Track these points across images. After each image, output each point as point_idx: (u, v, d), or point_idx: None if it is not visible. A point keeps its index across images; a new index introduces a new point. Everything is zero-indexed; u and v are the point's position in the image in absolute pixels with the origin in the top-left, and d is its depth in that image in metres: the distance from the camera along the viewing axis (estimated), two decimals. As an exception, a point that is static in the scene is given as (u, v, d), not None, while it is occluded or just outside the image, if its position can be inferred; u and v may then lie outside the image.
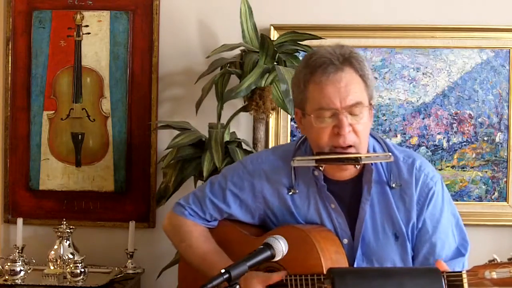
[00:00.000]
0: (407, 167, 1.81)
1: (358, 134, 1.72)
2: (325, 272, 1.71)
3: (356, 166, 1.75)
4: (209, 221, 1.98)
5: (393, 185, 1.80)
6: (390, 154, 1.76)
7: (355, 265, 1.79)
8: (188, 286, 2.06)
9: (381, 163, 1.81)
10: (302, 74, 1.76)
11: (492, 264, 1.49)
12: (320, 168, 1.79)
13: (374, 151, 1.83)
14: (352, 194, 1.82)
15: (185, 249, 1.99)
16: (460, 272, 1.49)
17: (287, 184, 1.87)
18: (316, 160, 1.76)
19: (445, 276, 1.52)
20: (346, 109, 1.70)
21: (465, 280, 1.49)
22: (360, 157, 1.72)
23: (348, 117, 1.70)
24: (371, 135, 1.85)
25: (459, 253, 1.80)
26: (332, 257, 1.76)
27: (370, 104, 1.77)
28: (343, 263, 1.77)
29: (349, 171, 1.79)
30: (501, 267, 1.47)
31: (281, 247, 1.61)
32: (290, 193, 1.86)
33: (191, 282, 2.02)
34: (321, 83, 1.71)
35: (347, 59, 1.73)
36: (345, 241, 1.82)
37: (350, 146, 1.72)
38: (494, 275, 1.47)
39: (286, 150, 1.92)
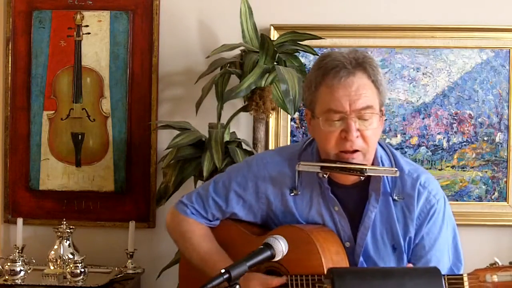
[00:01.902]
0: (412, 181, 1.80)
1: (366, 140, 1.71)
2: (326, 272, 1.71)
3: (361, 177, 1.74)
4: (211, 221, 1.98)
5: (396, 197, 1.79)
6: (396, 169, 1.74)
7: None
8: (188, 285, 2.06)
9: None
10: (314, 76, 1.76)
11: (494, 267, 1.48)
12: (325, 175, 1.78)
13: (381, 161, 1.82)
14: (356, 200, 1.81)
15: (186, 248, 1.98)
16: (461, 275, 1.49)
17: (290, 185, 1.86)
18: (322, 167, 1.75)
19: (446, 279, 1.52)
20: (355, 112, 1.69)
21: (466, 283, 1.49)
22: (366, 169, 1.70)
23: (357, 122, 1.69)
24: (379, 144, 1.84)
25: (452, 273, 1.79)
26: (333, 257, 1.76)
27: (381, 111, 1.76)
28: (344, 264, 1.77)
29: (354, 177, 1.78)
30: (503, 270, 1.46)
31: (281, 247, 1.61)
32: (293, 194, 1.85)
33: (191, 281, 2.01)
34: (332, 86, 1.70)
35: (360, 63, 1.72)
36: (347, 244, 1.82)
37: (356, 151, 1.71)
38: (495, 278, 1.46)
39: (292, 151, 1.91)
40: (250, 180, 1.90)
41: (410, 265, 1.67)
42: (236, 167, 2.00)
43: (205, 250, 1.93)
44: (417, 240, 1.79)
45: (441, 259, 1.78)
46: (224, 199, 1.92)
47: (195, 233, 1.96)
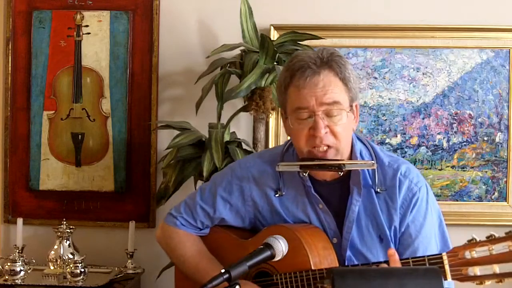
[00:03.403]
0: (392, 172, 1.82)
1: (336, 135, 1.74)
2: (313, 268, 1.73)
3: (339, 173, 1.76)
4: (201, 229, 2.00)
5: (378, 189, 1.81)
6: (373, 162, 1.77)
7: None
8: None
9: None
10: (283, 77, 1.80)
11: (472, 243, 1.49)
12: (304, 173, 1.81)
13: (361, 155, 1.84)
14: (339, 195, 1.84)
15: (178, 259, 2.02)
16: (440, 254, 1.50)
17: (274, 187, 1.89)
18: (300, 166, 1.78)
19: (426, 259, 1.54)
20: (322, 106, 1.71)
21: (445, 262, 1.51)
22: (344, 164, 1.74)
23: (325, 118, 1.72)
24: (359, 139, 1.87)
25: None
26: (319, 253, 1.77)
27: (351, 106, 1.77)
28: (332, 259, 1.78)
29: (331, 172, 1.80)
30: (480, 245, 1.47)
31: (281, 247, 1.61)
32: (277, 195, 1.88)
33: None
34: (299, 86, 1.74)
35: (325, 62, 1.75)
36: (335, 240, 1.83)
37: (328, 147, 1.74)
38: (474, 254, 1.47)
39: (274, 153, 1.94)
40: (234, 184, 1.93)
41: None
42: (220, 174, 2.03)
43: (197, 260, 1.96)
44: (402, 228, 1.80)
45: (428, 246, 1.79)
46: (211, 205, 1.95)
47: (186, 244, 1.99)
